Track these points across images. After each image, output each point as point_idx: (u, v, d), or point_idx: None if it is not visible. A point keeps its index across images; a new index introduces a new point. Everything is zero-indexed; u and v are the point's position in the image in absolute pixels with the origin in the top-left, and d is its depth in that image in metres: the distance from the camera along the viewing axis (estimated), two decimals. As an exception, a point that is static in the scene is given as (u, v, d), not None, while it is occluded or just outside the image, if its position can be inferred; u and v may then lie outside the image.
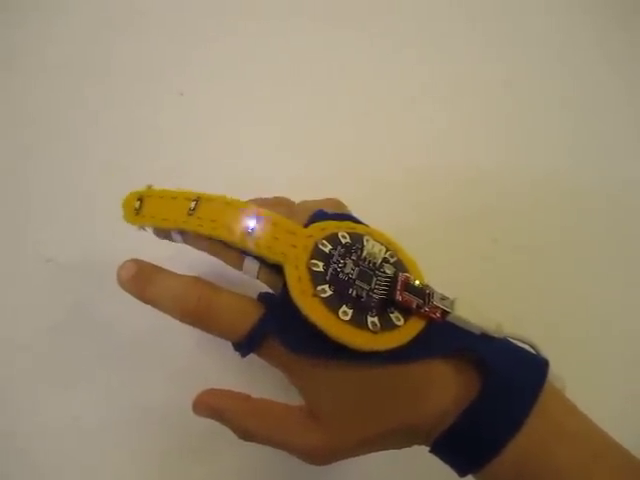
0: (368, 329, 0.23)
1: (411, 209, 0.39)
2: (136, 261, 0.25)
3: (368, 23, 0.45)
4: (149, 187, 0.27)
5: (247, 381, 0.32)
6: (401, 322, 0.24)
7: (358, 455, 0.25)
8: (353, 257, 0.24)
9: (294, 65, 0.43)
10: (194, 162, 0.39)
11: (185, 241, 0.27)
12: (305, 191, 0.36)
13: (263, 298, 0.25)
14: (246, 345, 0.24)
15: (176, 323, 0.33)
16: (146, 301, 0.25)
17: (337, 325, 0.22)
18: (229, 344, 0.33)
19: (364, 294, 0.24)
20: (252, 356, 0.25)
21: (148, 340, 0.34)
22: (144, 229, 0.27)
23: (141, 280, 0.25)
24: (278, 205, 0.27)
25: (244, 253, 0.25)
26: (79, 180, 0.38)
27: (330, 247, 0.24)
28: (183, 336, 0.33)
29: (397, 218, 0.37)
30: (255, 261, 0.25)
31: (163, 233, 0.28)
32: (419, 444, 0.25)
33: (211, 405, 0.25)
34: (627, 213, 0.41)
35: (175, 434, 0.32)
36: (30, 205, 0.37)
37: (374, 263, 0.25)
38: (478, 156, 0.41)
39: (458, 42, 0.45)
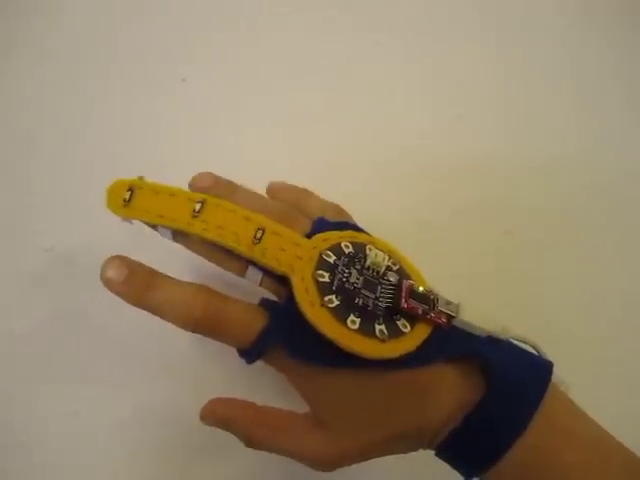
0: (376, 337, 0.23)
1: (421, 200, 0.38)
2: (123, 260, 0.24)
3: (372, 14, 0.44)
4: (141, 178, 0.26)
5: (247, 380, 0.31)
6: (408, 329, 0.24)
7: (365, 460, 0.25)
8: (357, 266, 0.24)
9: (298, 52, 0.42)
10: (195, 148, 0.38)
11: (176, 240, 0.26)
12: (310, 181, 0.35)
13: (266, 305, 0.24)
14: (252, 353, 0.24)
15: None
16: (143, 306, 0.24)
17: (347, 335, 0.22)
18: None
19: (370, 303, 0.23)
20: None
21: (150, 334, 0.33)
22: (130, 222, 0.26)
23: (138, 285, 0.23)
24: (280, 212, 0.26)
25: (248, 262, 0.25)
26: (78, 168, 0.37)
27: (334, 257, 0.24)
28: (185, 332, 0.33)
29: (408, 210, 0.37)
30: (258, 271, 0.25)
31: (150, 226, 0.26)
32: (425, 448, 0.25)
33: (219, 414, 0.25)
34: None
35: (175, 431, 0.32)
36: (29, 194, 0.36)
37: (378, 272, 0.25)
38: (489, 146, 0.40)
39: (465, 34, 0.44)
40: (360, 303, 0.23)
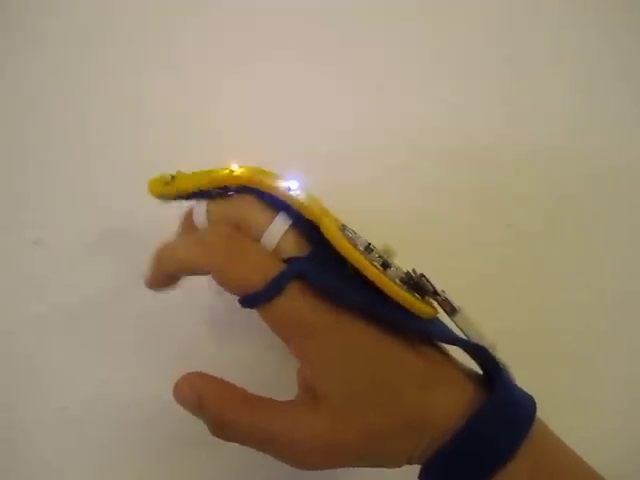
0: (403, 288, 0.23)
1: (421, 192, 0.37)
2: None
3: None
4: (179, 172, 0.27)
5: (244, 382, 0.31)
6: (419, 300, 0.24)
7: (357, 461, 0.23)
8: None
9: (295, 37, 0.40)
10: (181, 134, 0.37)
11: (209, 211, 0.25)
12: (305, 169, 0.34)
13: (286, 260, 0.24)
14: (271, 288, 0.22)
15: (169, 315, 0.32)
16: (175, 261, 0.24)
17: (381, 275, 0.22)
18: (227, 339, 0.31)
19: (389, 264, 0.24)
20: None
21: (139, 329, 0.33)
22: (168, 201, 0.26)
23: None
24: None
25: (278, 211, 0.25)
26: (65, 159, 0.36)
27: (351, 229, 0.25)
28: (177, 328, 0.32)
29: (407, 201, 0.36)
30: (288, 218, 0.24)
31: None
32: (415, 459, 0.23)
33: (195, 387, 0.23)
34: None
35: (162, 427, 0.31)
36: (16, 186, 0.35)
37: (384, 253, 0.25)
38: (492, 138, 0.39)
39: (467, 22, 0.42)
40: (381, 262, 0.23)
